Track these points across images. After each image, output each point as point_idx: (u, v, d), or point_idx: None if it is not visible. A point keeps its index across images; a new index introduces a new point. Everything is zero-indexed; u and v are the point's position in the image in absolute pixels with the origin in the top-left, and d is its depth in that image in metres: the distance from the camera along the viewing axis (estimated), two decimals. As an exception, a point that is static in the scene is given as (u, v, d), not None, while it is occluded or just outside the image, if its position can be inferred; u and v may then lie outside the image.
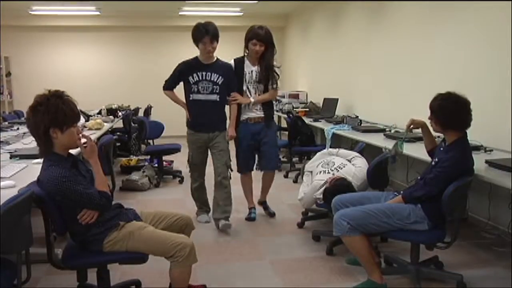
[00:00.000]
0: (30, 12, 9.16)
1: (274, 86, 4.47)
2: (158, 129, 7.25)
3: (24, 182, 2.73)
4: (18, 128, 5.73)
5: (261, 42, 4.30)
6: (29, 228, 2.25)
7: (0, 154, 3.79)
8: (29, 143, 4.42)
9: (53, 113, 2.36)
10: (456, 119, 2.97)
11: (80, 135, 2.53)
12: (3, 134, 5.08)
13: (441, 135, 3.14)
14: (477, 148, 3.87)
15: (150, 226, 2.65)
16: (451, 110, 2.95)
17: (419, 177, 3.27)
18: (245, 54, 4.49)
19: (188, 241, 2.56)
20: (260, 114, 4.49)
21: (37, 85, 11.42)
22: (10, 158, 3.65)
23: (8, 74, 10.15)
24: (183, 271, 2.54)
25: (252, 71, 4.44)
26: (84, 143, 2.56)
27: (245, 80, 4.43)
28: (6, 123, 6.46)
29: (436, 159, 3.05)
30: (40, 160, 3.44)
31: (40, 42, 10.33)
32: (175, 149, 6.54)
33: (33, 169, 3.22)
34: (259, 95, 4.46)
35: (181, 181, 6.37)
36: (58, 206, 2.42)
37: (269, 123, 4.56)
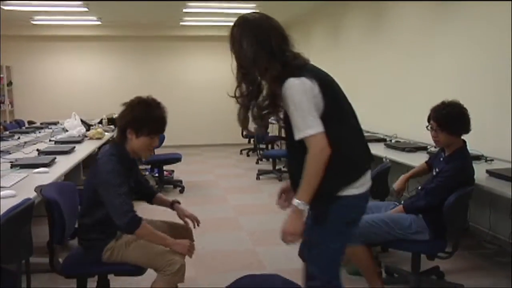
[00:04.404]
0: (32, 22, 9.22)
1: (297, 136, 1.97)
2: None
3: (24, 192, 2.73)
4: (19, 138, 5.73)
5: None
6: (29, 237, 2.25)
7: (1, 163, 3.79)
8: (30, 152, 4.42)
9: (133, 116, 2.48)
10: (462, 123, 2.97)
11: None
12: (4, 144, 5.08)
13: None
14: (478, 157, 3.87)
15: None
16: (457, 115, 2.95)
17: (419, 187, 3.27)
18: None
19: (180, 260, 2.48)
20: None
21: (38, 94, 11.45)
22: (11, 167, 3.65)
23: (10, 83, 10.17)
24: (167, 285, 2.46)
25: None
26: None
27: None
28: (7, 132, 6.47)
29: (437, 169, 3.05)
30: (41, 169, 3.48)
31: (42, 52, 10.37)
32: (176, 159, 6.55)
33: (34, 179, 3.22)
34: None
35: (181, 191, 6.36)
36: (61, 216, 2.41)
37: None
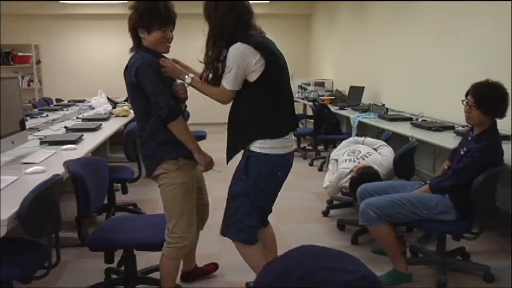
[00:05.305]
0: (60, 1, 9.29)
1: None
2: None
3: (53, 168, 2.79)
4: (47, 115, 5.83)
5: None
6: (58, 212, 2.30)
7: (31, 140, 3.87)
8: (58, 129, 4.51)
9: (139, 13, 2.45)
10: (499, 106, 2.88)
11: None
12: (33, 121, 5.19)
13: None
14: (506, 137, 3.78)
15: (195, 193, 2.65)
16: (497, 97, 2.86)
17: (446, 167, 3.23)
18: None
19: (192, 240, 2.61)
20: None
21: (66, 72, 11.51)
22: (40, 144, 3.72)
23: (38, 62, 10.34)
24: (169, 261, 2.57)
25: None
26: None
27: None
28: (36, 109, 6.59)
29: (465, 149, 2.98)
30: (69, 146, 3.55)
31: (69, 30, 10.46)
32: (201, 137, 6.56)
33: (62, 155, 3.27)
34: None
35: (206, 168, 6.40)
36: (86, 190, 2.45)
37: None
